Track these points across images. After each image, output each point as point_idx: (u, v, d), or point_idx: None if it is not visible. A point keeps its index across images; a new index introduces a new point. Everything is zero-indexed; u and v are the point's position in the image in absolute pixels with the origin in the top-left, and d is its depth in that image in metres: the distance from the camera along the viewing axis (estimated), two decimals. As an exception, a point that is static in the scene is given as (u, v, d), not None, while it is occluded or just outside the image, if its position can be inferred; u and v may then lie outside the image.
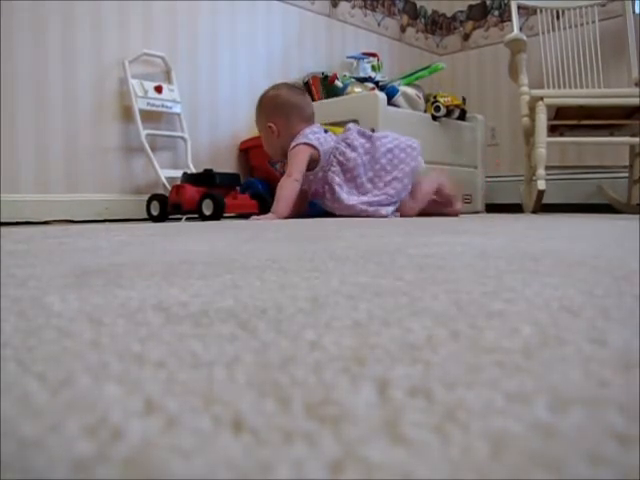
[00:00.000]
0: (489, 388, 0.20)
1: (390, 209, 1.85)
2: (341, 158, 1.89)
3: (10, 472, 0.15)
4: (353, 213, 1.85)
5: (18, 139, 1.89)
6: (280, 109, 1.94)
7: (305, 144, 1.87)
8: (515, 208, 2.75)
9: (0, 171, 1.83)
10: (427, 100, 2.59)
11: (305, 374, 0.21)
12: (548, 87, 2.59)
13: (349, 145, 1.90)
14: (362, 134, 1.95)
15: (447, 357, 0.23)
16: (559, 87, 2.60)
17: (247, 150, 2.43)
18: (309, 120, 1.98)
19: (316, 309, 0.32)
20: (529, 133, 2.42)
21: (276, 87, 2.01)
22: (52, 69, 1.96)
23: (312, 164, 1.89)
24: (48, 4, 1.94)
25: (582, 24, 2.66)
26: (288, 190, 1.82)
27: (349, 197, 1.87)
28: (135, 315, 0.32)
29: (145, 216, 2.05)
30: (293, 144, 1.89)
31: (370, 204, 1.84)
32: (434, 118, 2.56)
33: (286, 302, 0.34)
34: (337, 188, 1.88)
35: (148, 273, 0.49)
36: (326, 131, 1.99)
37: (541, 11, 2.70)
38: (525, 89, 2.42)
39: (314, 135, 1.90)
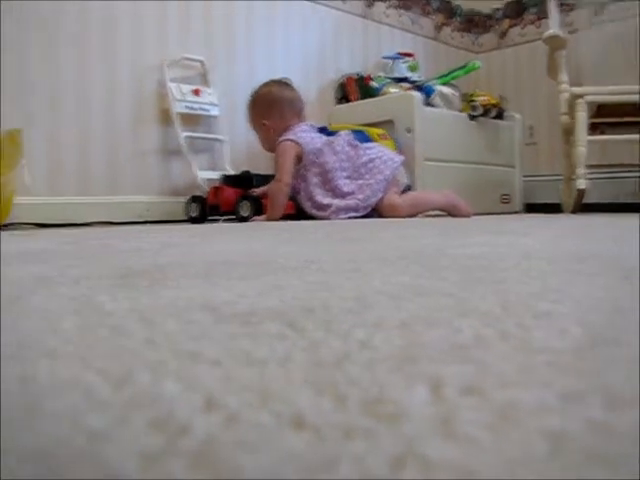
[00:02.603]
0: (542, 388, 0.20)
1: (359, 214, 1.90)
2: (321, 160, 1.95)
3: (81, 464, 0.15)
4: (323, 215, 1.90)
5: (61, 142, 1.94)
6: (273, 106, 2.01)
7: (290, 141, 1.95)
8: (554, 208, 2.71)
9: (44, 173, 1.88)
10: (464, 99, 2.57)
11: (358, 373, 0.21)
12: (587, 84, 2.55)
13: (333, 150, 1.96)
14: (349, 143, 2.00)
15: (497, 357, 0.24)
16: (599, 84, 2.55)
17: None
18: (300, 114, 2.06)
19: (363, 309, 0.33)
20: (568, 131, 2.38)
21: (266, 85, 2.07)
22: (94, 73, 2.00)
23: (295, 161, 1.96)
24: (91, 10, 1.98)
25: (623, 19, 2.60)
26: (280, 197, 1.91)
27: (323, 198, 1.93)
28: (184, 314, 0.32)
29: (183, 217, 2.08)
30: (280, 139, 1.96)
31: (340, 208, 1.89)
32: (471, 117, 2.54)
33: (332, 302, 0.35)
34: (311, 188, 1.95)
35: (191, 274, 0.50)
36: (320, 129, 2.07)
37: (581, 6, 2.65)
38: (565, 87, 2.38)
39: (302, 133, 1.98)
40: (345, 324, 0.29)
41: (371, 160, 1.95)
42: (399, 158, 2.01)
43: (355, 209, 1.89)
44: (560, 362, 0.23)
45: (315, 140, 1.98)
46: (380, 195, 1.91)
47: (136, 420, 0.18)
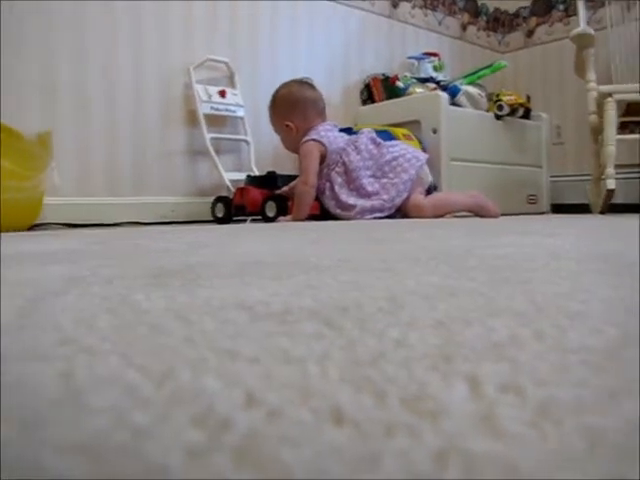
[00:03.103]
0: (578, 386, 0.20)
1: (383, 215, 1.89)
2: (346, 159, 1.95)
3: (125, 458, 0.16)
4: (347, 215, 1.90)
5: (90, 144, 1.97)
6: (295, 106, 2.00)
7: (314, 141, 1.94)
8: (582, 208, 2.68)
9: (73, 175, 1.91)
10: (490, 99, 2.55)
11: (396, 370, 0.22)
12: (617, 83, 2.51)
13: (356, 148, 1.95)
14: (372, 140, 1.99)
15: (533, 356, 0.24)
16: (629, 82, 2.51)
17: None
18: (322, 113, 2.05)
19: (396, 308, 0.33)
20: (597, 131, 2.35)
21: (286, 85, 2.07)
22: (121, 75, 2.03)
23: (319, 160, 1.95)
24: (118, 13, 2.01)
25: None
26: (306, 199, 1.91)
27: (347, 198, 1.92)
28: (220, 313, 0.33)
29: (209, 218, 2.10)
30: (304, 139, 1.96)
31: (365, 208, 1.89)
32: (497, 117, 2.52)
33: (365, 301, 0.35)
34: (337, 187, 1.94)
35: (223, 273, 0.50)
36: (345, 129, 2.07)
37: (609, 3, 2.61)
38: (593, 85, 2.35)
39: (325, 133, 1.97)
40: (380, 323, 0.29)
41: (395, 158, 1.94)
42: (423, 156, 2.00)
43: (380, 209, 1.88)
44: (595, 361, 0.23)
45: (338, 139, 1.98)
46: (405, 195, 1.90)
47: (178, 416, 0.18)
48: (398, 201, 1.90)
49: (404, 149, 1.99)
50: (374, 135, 2.02)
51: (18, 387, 0.21)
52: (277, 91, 2.07)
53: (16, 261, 0.66)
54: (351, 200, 1.91)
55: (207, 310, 0.34)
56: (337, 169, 1.95)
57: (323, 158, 1.96)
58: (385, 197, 1.89)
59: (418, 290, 0.39)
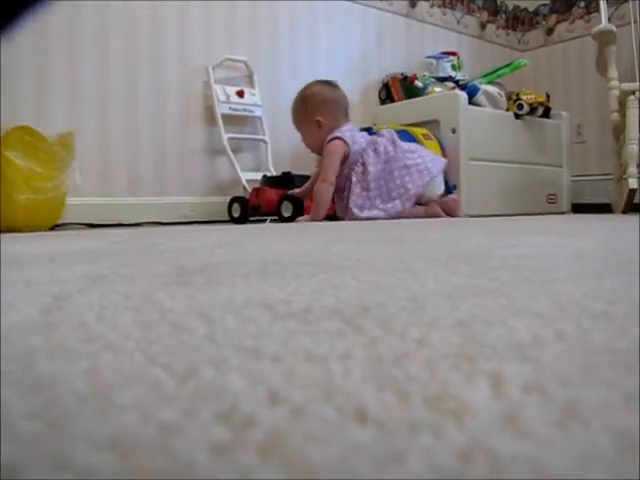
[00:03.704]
0: (605, 387, 0.20)
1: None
2: (364, 160, 1.96)
3: (153, 453, 0.16)
4: (349, 216, 1.92)
5: (111, 145, 1.98)
6: (326, 104, 2.00)
7: (340, 139, 1.94)
8: (604, 208, 2.64)
9: (95, 175, 1.93)
10: (509, 98, 2.53)
11: (418, 370, 0.22)
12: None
13: (375, 150, 1.96)
14: (392, 142, 1.99)
15: (557, 356, 0.23)
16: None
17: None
18: (347, 114, 2.06)
19: (418, 308, 0.33)
20: (619, 129, 2.32)
21: (315, 83, 2.07)
22: (141, 76, 2.05)
23: (342, 160, 1.96)
24: (140, 13, 2.03)
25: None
26: (325, 197, 1.90)
27: (357, 198, 1.94)
28: (242, 312, 0.33)
29: (226, 217, 2.11)
30: (330, 137, 1.95)
31: (369, 216, 1.90)
32: (517, 116, 2.50)
33: (387, 301, 0.35)
34: (352, 187, 1.95)
35: (244, 272, 0.51)
36: (371, 131, 2.07)
37: None
38: (615, 83, 2.32)
39: (350, 132, 1.98)
40: (401, 322, 0.29)
41: (406, 167, 1.93)
42: (438, 166, 1.98)
43: (382, 217, 1.91)
44: (622, 362, 0.23)
45: (360, 139, 1.98)
46: (409, 205, 1.91)
47: (203, 413, 0.18)
48: (399, 212, 1.92)
49: (420, 157, 1.97)
50: (394, 135, 2.01)
51: (47, 383, 0.21)
52: (307, 88, 2.06)
53: (41, 260, 0.67)
54: (366, 204, 1.92)
55: (229, 309, 0.34)
56: (356, 168, 1.96)
57: (345, 158, 1.96)
58: (391, 211, 1.91)
59: (439, 290, 0.39)
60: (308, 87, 2.06)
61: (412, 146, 2.03)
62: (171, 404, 0.19)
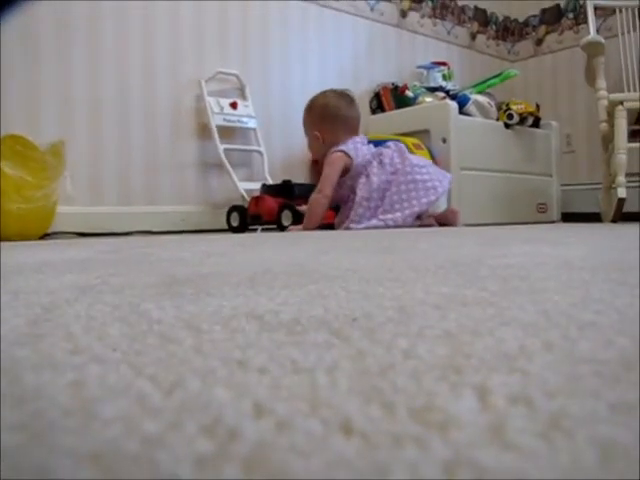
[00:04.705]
0: (591, 397, 0.20)
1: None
2: (370, 171, 1.93)
3: (136, 467, 0.16)
4: (352, 227, 1.91)
5: (102, 154, 1.98)
6: (327, 119, 2.00)
7: (341, 152, 1.93)
8: (593, 217, 2.66)
9: (86, 184, 1.93)
10: (499, 108, 2.55)
11: (405, 381, 0.21)
12: (628, 91, 2.50)
13: (381, 162, 1.94)
14: (400, 154, 1.97)
15: (543, 366, 0.24)
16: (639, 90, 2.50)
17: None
18: (354, 130, 2.03)
19: (405, 318, 0.33)
20: (607, 139, 2.34)
21: (325, 95, 2.05)
22: (133, 87, 2.05)
23: (343, 172, 1.95)
24: (130, 25, 2.03)
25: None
26: (319, 208, 1.89)
27: (364, 212, 1.92)
28: (230, 322, 0.33)
29: (219, 227, 2.10)
30: (332, 150, 1.95)
31: (369, 226, 1.89)
32: (507, 126, 2.52)
33: (375, 311, 0.35)
34: (357, 199, 1.93)
35: (234, 282, 0.50)
36: (371, 142, 2.05)
37: (620, 10, 2.60)
38: (603, 93, 2.34)
39: (354, 145, 1.96)
40: (389, 333, 0.29)
41: (413, 181, 1.90)
42: (443, 187, 1.94)
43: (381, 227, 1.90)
44: (608, 373, 0.23)
45: (365, 152, 1.96)
46: (409, 221, 1.90)
47: (188, 425, 0.18)
48: (399, 224, 1.91)
49: (427, 173, 1.93)
50: (402, 148, 1.99)
51: (32, 396, 0.21)
52: (316, 98, 2.06)
53: (29, 270, 0.66)
54: (367, 214, 1.91)
55: (217, 319, 0.34)
56: (360, 180, 1.94)
57: (347, 170, 1.94)
58: (390, 223, 1.89)
59: (427, 300, 0.39)
60: (321, 96, 2.05)
61: (421, 160, 2.01)
62: (156, 417, 0.19)
